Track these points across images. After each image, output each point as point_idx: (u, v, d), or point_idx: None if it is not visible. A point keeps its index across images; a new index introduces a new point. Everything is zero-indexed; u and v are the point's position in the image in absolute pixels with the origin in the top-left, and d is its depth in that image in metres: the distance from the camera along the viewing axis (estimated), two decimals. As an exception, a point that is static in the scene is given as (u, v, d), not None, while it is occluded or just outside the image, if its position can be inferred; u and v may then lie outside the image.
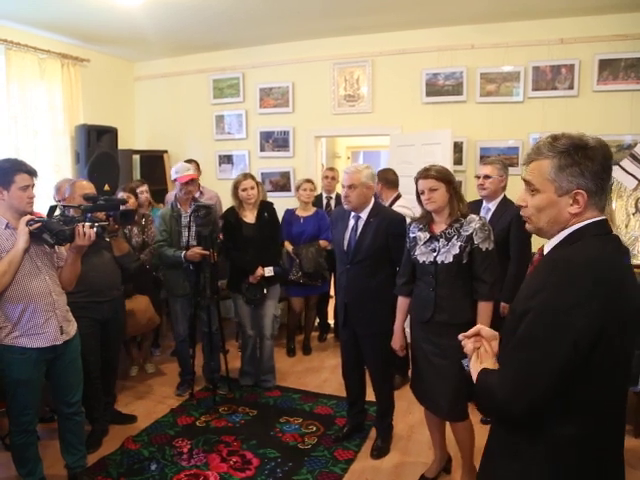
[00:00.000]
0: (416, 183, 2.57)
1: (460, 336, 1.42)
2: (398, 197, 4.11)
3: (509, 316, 1.29)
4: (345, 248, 3.00)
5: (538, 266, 1.26)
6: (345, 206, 2.98)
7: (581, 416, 1.15)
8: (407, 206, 3.79)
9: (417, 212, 2.83)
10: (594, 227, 1.20)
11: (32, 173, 2.40)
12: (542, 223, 1.26)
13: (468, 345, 1.38)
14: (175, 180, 3.83)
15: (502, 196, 3.32)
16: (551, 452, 1.17)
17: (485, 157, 4.23)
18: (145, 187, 4.41)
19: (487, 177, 3.28)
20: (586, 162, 1.16)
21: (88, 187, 3.04)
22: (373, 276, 2.93)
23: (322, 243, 4.50)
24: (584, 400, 1.15)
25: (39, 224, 2.32)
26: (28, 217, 2.34)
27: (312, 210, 4.61)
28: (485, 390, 1.23)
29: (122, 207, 2.93)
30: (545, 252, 1.32)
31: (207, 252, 3.62)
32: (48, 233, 2.32)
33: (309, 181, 4.62)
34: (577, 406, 1.15)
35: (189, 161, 4.84)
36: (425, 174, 2.51)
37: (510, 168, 4.46)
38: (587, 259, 1.14)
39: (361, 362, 3.16)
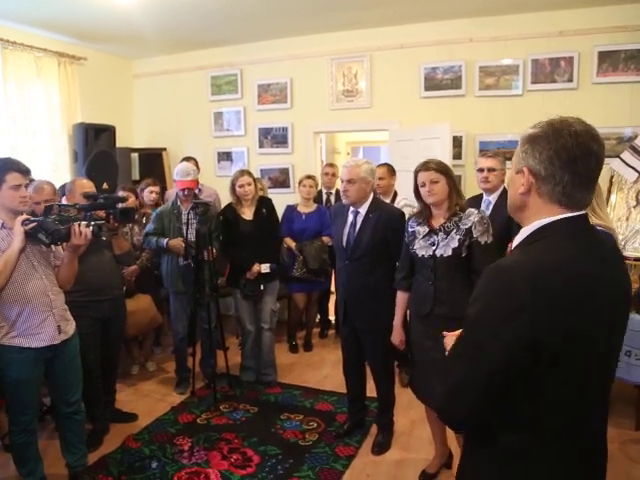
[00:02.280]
0: (416, 176, 2.55)
1: (445, 333, 1.37)
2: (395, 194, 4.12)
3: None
4: (344, 244, 2.99)
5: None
6: (344, 200, 2.97)
7: (529, 430, 1.09)
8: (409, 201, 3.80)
9: None
10: (560, 225, 1.09)
11: (25, 172, 2.36)
12: (508, 203, 1.22)
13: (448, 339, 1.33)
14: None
15: (502, 188, 3.31)
16: (500, 463, 1.14)
17: (485, 151, 4.19)
18: (156, 188, 4.44)
19: (491, 170, 3.25)
20: (542, 143, 1.09)
21: (88, 185, 3.03)
22: (372, 272, 2.92)
23: (325, 239, 4.48)
24: (531, 415, 1.08)
25: (34, 224, 2.30)
26: (24, 217, 2.32)
27: (313, 206, 4.61)
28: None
29: (121, 205, 2.92)
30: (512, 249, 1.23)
31: (184, 243, 3.67)
32: (43, 233, 2.30)
33: (310, 177, 4.62)
34: (524, 420, 1.09)
35: (188, 159, 4.83)
36: (426, 166, 2.51)
37: (509, 162, 4.44)
38: (528, 266, 1.04)
39: (362, 358, 3.15)
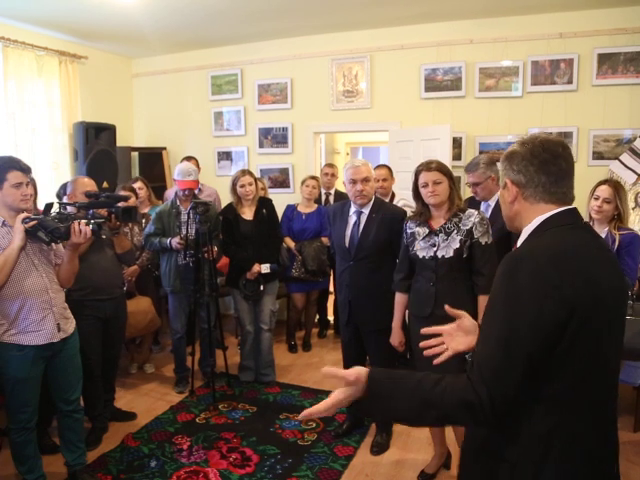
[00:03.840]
0: (417, 176, 2.54)
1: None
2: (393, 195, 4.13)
3: None
4: (347, 245, 2.99)
5: None
6: (360, 201, 2.94)
7: (552, 413, 1.13)
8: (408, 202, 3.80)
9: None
10: (559, 219, 1.20)
11: (26, 170, 2.37)
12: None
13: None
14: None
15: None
16: (526, 450, 1.14)
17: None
18: (139, 184, 4.36)
19: (476, 184, 3.26)
20: (516, 157, 1.25)
21: (89, 184, 3.03)
22: (377, 271, 2.92)
23: (324, 240, 4.49)
24: (553, 395, 1.12)
25: (35, 222, 2.31)
26: (24, 215, 2.33)
27: (314, 207, 4.61)
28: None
29: (123, 204, 2.93)
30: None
31: (181, 244, 3.69)
32: (43, 231, 2.31)
33: (313, 178, 4.63)
34: (547, 402, 1.12)
35: (188, 158, 4.84)
36: (429, 167, 2.50)
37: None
38: (546, 250, 1.13)
39: (363, 359, 3.16)
